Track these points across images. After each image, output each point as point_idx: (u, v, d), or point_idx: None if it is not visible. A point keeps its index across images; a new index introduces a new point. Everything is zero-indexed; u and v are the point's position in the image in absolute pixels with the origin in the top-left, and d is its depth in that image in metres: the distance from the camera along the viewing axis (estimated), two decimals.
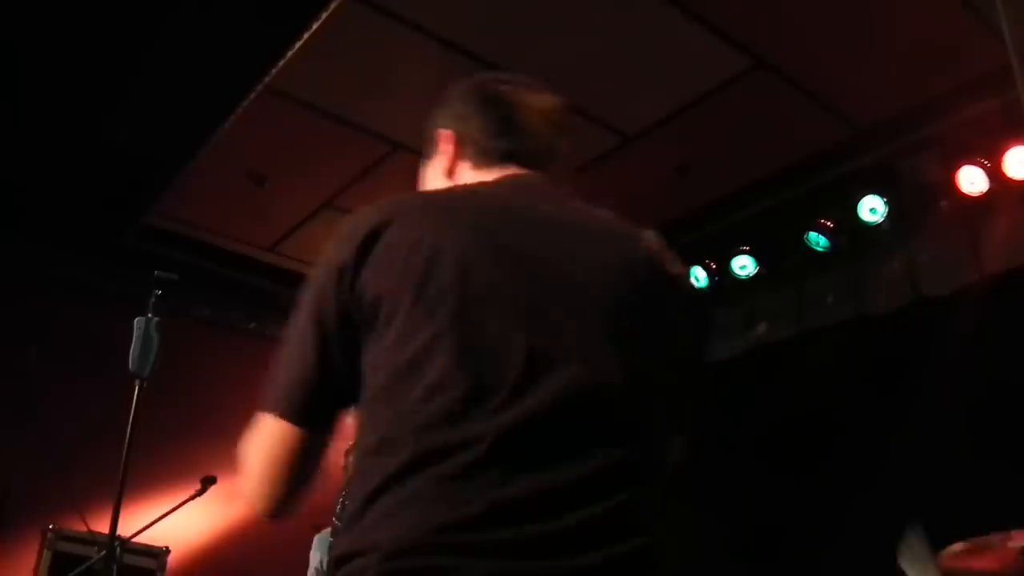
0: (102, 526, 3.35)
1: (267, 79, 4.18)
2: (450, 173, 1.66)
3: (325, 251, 1.42)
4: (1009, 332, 4.02)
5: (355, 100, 4.39)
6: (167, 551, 5.09)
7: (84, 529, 4.25)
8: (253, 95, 4.28)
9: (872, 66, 4.02)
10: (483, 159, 1.63)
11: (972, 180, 4.27)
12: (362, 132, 4.57)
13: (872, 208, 4.57)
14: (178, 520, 4.32)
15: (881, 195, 4.54)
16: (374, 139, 4.61)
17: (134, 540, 4.07)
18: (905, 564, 3.25)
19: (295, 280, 1.55)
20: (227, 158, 4.73)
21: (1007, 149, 4.15)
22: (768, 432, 4.94)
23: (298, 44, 3.96)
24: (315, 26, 3.86)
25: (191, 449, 4.92)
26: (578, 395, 1.29)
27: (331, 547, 3.15)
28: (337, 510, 3.05)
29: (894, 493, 4.18)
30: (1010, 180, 4.17)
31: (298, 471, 1.39)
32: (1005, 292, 4.15)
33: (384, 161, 4.73)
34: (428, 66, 4.07)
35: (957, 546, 3.20)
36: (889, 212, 4.54)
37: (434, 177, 1.70)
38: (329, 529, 3.42)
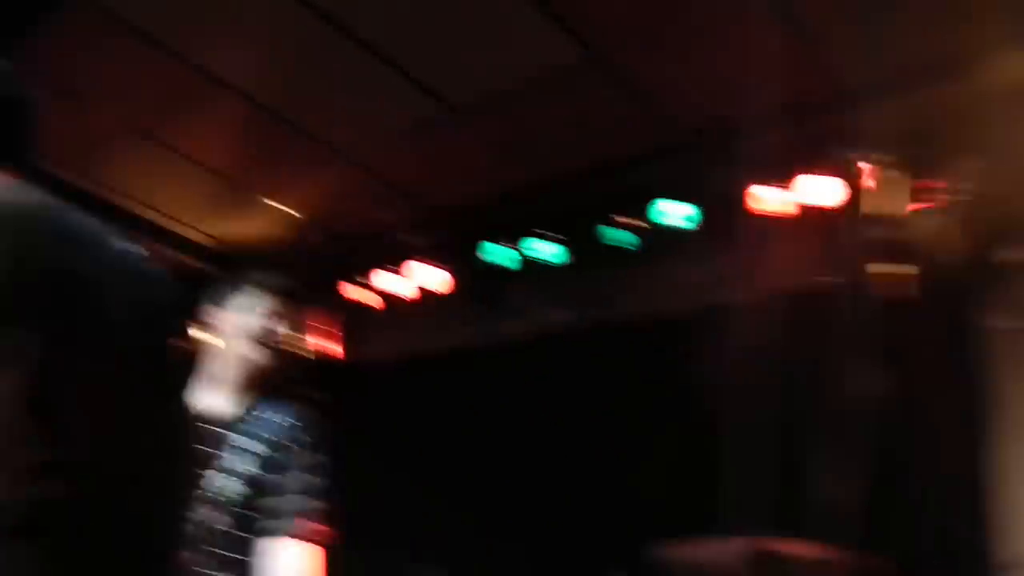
0: None
1: None
2: None
3: None
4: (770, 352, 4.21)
5: (179, 27, 4.12)
6: None
7: None
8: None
9: (696, 77, 4.18)
10: None
11: (765, 200, 4.51)
12: (182, 62, 4.29)
13: (675, 213, 4.76)
14: None
15: (685, 201, 4.74)
16: (193, 70, 4.34)
17: None
18: None
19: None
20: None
21: (798, 176, 4.44)
22: (527, 419, 5.08)
23: None
24: None
25: None
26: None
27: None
28: None
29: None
30: (801, 206, 4.46)
31: None
32: (784, 312, 4.34)
33: (204, 95, 4.47)
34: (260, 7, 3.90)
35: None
36: (690, 219, 4.74)
37: None
38: None
